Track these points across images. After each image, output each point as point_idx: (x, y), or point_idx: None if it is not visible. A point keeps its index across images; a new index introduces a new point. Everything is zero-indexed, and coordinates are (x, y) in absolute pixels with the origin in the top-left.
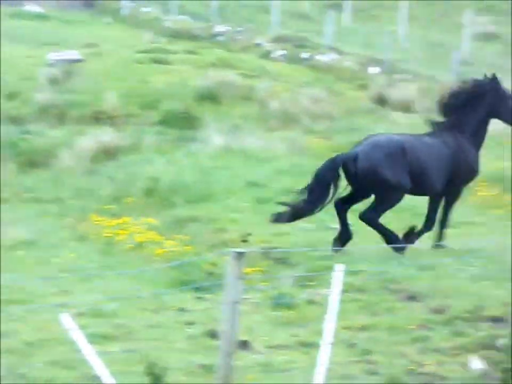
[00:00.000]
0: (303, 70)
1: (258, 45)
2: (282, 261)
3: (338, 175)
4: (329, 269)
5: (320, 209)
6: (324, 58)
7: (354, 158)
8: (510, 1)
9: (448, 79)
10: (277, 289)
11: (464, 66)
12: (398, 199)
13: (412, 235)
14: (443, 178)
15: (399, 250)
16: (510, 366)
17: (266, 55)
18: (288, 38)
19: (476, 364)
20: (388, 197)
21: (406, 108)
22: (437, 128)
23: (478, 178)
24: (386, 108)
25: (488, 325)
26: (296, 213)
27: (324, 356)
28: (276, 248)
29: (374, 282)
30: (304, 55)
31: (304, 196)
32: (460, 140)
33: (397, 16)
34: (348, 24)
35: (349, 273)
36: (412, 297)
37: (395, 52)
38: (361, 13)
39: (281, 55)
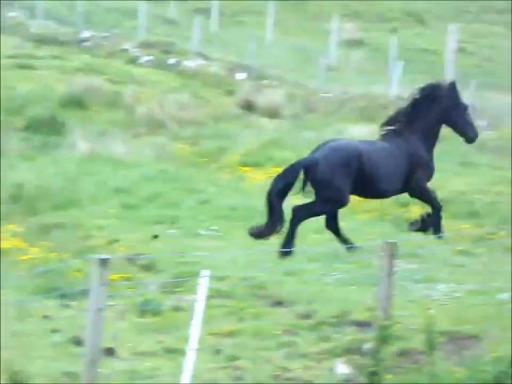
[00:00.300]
0: (170, 75)
1: (124, 50)
2: (148, 267)
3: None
4: (196, 274)
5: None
6: (191, 64)
7: (316, 163)
8: (376, 8)
9: (315, 85)
10: (143, 295)
11: (330, 72)
12: (334, 210)
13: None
14: (399, 180)
15: (284, 254)
16: (374, 370)
17: (133, 60)
18: (155, 44)
19: (341, 368)
20: (327, 204)
21: (273, 113)
22: (390, 135)
23: None
24: (254, 114)
25: (353, 330)
26: (270, 231)
27: (190, 362)
28: (141, 254)
29: (241, 287)
30: (171, 60)
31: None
32: (412, 143)
33: (264, 22)
34: (215, 29)
35: (215, 279)
36: (279, 303)
37: (262, 58)
38: (228, 18)
39: (148, 61)
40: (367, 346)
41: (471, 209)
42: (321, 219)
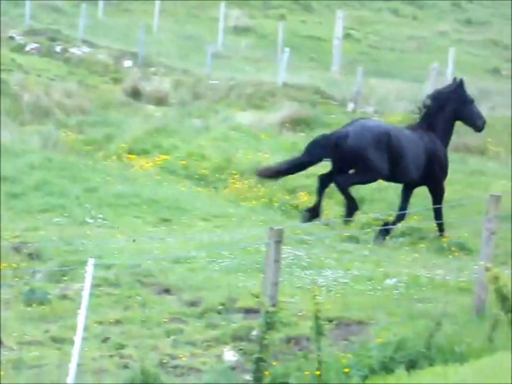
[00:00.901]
0: (56, 63)
1: (11, 38)
2: (35, 256)
3: (327, 152)
4: (83, 263)
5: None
6: (77, 51)
7: (345, 137)
8: None
9: (203, 72)
10: (29, 284)
11: (218, 59)
12: (373, 180)
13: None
14: (418, 167)
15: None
16: (261, 356)
17: (19, 48)
18: (41, 31)
19: (229, 355)
20: (365, 174)
21: (160, 100)
22: (415, 126)
23: (231, 170)
24: (141, 101)
25: (241, 317)
26: (278, 170)
27: (76, 351)
28: (27, 243)
29: (127, 276)
30: (58, 48)
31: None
32: (432, 137)
33: (151, 10)
34: (102, 17)
35: (102, 267)
36: (166, 291)
37: (149, 45)
38: (115, 6)
39: (34, 48)
40: (254, 333)
41: (357, 195)
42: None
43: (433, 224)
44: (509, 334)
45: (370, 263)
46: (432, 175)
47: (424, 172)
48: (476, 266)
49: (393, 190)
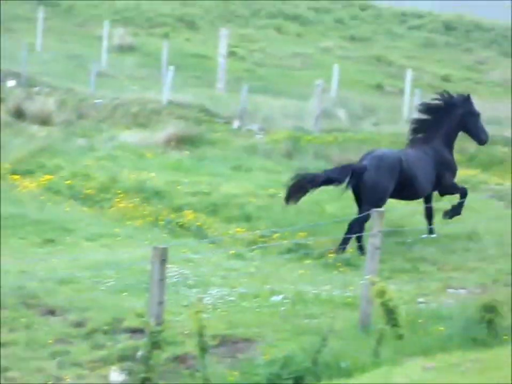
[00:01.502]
0: None
1: None
2: None
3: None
4: None
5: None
6: None
7: (365, 169)
8: (146, 13)
9: (87, 91)
10: None
11: (102, 78)
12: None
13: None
14: (431, 181)
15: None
16: (147, 376)
17: None
18: None
19: (115, 376)
20: (372, 205)
21: (44, 120)
22: (416, 142)
23: (117, 189)
24: (25, 121)
25: (127, 336)
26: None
27: None
28: None
29: (12, 297)
30: None
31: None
32: (436, 146)
33: (34, 29)
34: None
35: None
36: (51, 312)
37: (33, 65)
38: None
39: None
40: (140, 353)
41: (244, 212)
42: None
43: (320, 240)
44: (394, 348)
45: (256, 281)
46: (444, 181)
47: (437, 181)
48: (361, 281)
49: (279, 207)
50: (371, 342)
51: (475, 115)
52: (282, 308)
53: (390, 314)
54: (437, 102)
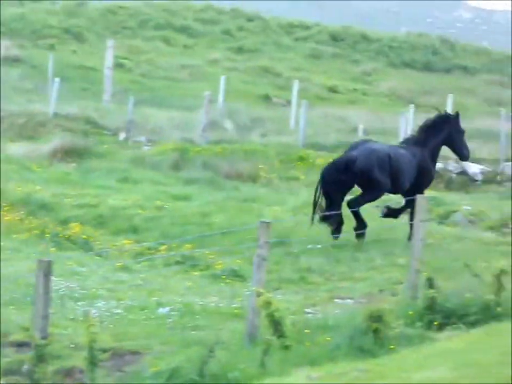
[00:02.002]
0: None
1: None
2: None
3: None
4: None
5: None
6: None
7: (354, 160)
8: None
9: None
10: None
11: None
12: (379, 196)
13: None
14: (409, 180)
15: (360, 237)
16: None
17: None
18: None
19: None
20: (373, 192)
21: None
22: (407, 142)
23: (3, 202)
24: None
25: (13, 350)
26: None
27: None
28: None
29: None
30: None
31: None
32: (422, 153)
33: None
34: None
35: None
36: None
37: None
38: None
39: None
40: (26, 366)
41: (131, 224)
42: None
43: (207, 251)
44: (281, 358)
45: (143, 293)
46: (420, 185)
47: (414, 182)
48: (248, 292)
49: (167, 219)
50: (258, 353)
51: (461, 132)
52: (170, 320)
53: (276, 325)
54: (433, 119)
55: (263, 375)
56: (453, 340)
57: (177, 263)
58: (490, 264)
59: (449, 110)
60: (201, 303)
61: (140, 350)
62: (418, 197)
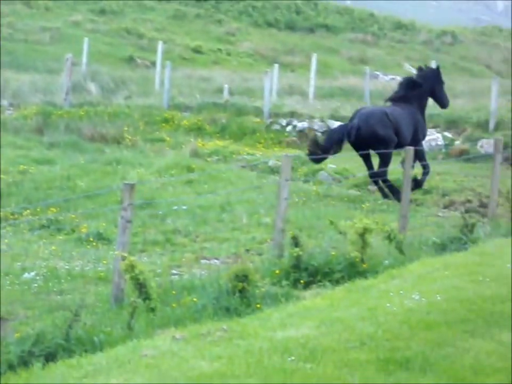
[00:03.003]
0: None
1: None
2: None
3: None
4: None
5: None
6: None
7: (358, 128)
8: None
9: None
10: None
11: None
12: (391, 153)
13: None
14: (409, 133)
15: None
16: None
17: None
18: None
19: None
20: (387, 153)
21: None
22: (394, 100)
23: None
24: None
25: None
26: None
27: None
28: None
29: None
30: None
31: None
32: (413, 109)
33: None
34: None
35: None
36: None
37: None
38: None
39: None
40: None
41: None
42: None
43: (72, 215)
44: (147, 320)
45: (7, 258)
46: (418, 139)
47: (412, 136)
48: (113, 255)
49: (30, 183)
50: (124, 316)
51: (442, 83)
52: (35, 285)
53: (141, 287)
54: (417, 75)
55: (129, 337)
56: (317, 298)
57: (42, 227)
58: (354, 222)
59: (313, 68)
60: (66, 267)
61: (4, 315)
62: (283, 157)
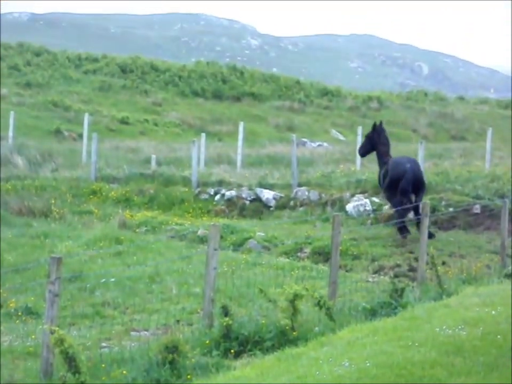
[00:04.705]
0: None
1: None
2: None
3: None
4: None
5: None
6: None
7: (410, 172)
8: None
9: None
10: None
11: None
12: None
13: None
14: None
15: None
16: None
17: None
18: None
19: None
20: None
21: None
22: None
23: None
24: None
25: None
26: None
27: None
28: None
29: None
30: None
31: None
32: None
33: None
34: None
35: None
36: None
37: None
38: None
39: None
40: None
41: None
42: None
43: None
44: None
45: None
46: None
47: None
48: (41, 330)
49: None
50: None
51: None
52: None
53: (71, 361)
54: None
55: None
56: (248, 367)
57: None
58: (285, 288)
59: (241, 136)
60: None
61: None
62: (211, 226)
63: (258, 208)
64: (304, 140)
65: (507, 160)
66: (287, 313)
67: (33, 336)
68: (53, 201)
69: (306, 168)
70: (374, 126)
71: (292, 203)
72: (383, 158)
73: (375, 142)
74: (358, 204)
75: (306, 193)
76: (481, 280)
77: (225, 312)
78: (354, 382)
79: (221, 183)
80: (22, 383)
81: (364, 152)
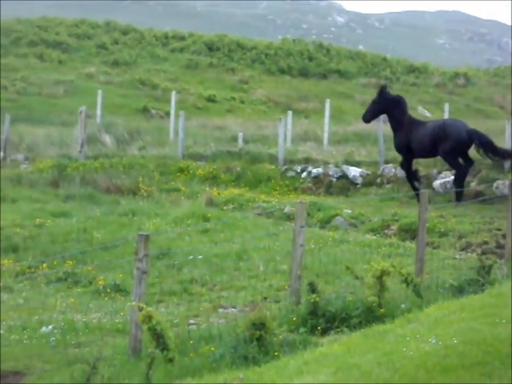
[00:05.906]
0: None
1: None
2: None
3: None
4: None
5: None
6: None
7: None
8: None
9: None
10: None
11: None
12: None
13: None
14: None
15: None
16: None
17: None
18: None
19: None
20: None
21: None
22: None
23: None
24: None
25: None
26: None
27: None
28: None
29: None
30: None
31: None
32: None
33: None
34: None
35: None
36: None
37: None
38: None
39: None
40: None
41: (10, 244)
42: None
43: (88, 267)
44: (165, 371)
45: (25, 312)
46: None
47: None
48: (129, 307)
49: (46, 237)
50: (142, 367)
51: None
52: (52, 338)
53: (159, 338)
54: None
55: None
56: (335, 344)
57: (59, 280)
58: (372, 265)
59: (327, 114)
60: (84, 319)
61: (22, 370)
62: (298, 204)
63: (345, 185)
64: None
65: None
66: (374, 290)
67: (121, 313)
68: (140, 179)
69: (393, 145)
70: (381, 90)
71: (378, 180)
72: (401, 118)
73: (384, 106)
74: (445, 180)
75: (393, 170)
76: None
77: (312, 289)
78: (441, 359)
79: (307, 160)
80: (111, 359)
81: (369, 118)
